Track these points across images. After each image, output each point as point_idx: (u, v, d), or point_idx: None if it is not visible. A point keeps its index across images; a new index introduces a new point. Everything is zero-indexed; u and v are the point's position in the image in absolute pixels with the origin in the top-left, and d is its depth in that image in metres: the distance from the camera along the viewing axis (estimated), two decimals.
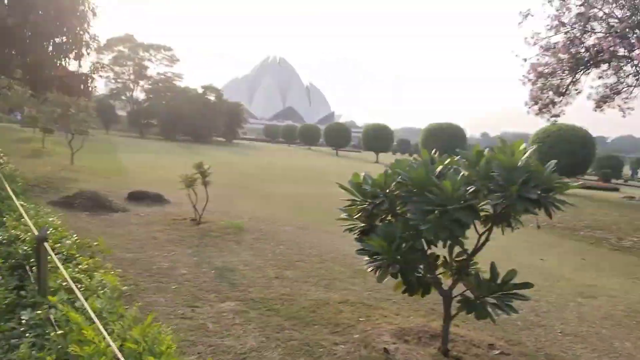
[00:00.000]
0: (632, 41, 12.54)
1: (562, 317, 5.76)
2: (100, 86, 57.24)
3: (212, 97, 55.32)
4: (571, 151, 27.48)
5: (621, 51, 13.23)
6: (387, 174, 4.06)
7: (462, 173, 3.64)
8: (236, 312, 4.75)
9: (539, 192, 3.40)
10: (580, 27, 14.16)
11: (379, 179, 4.04)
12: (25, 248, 3.36)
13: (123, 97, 59.02)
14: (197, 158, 10.02)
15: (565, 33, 14.68)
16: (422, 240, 3.89)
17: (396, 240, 3.75)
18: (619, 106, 17.74)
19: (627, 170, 53.14)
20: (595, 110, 18.36)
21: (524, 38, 15.08)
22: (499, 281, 3.95)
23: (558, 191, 3.54)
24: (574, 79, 15.43)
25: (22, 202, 5.01)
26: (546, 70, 15.34)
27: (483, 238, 3.94)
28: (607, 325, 5.63)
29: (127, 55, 58.23)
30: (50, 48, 13.39)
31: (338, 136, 54.13)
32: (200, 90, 54.92)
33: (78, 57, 13.75)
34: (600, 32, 14.23)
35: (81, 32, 13.29)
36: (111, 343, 1.70)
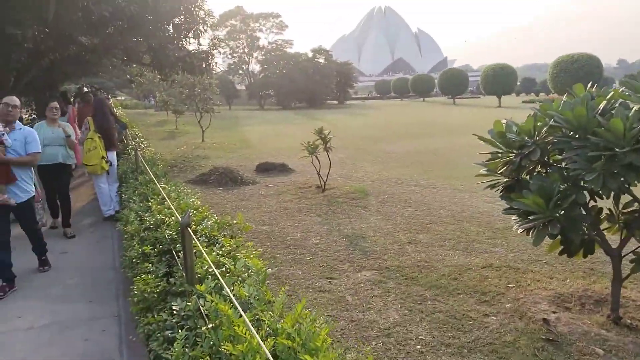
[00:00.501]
0: None
1: None
2: (219, 62, 60.49)
3: (321, 60, 55.49)
4: None
5: None
6: (536, 117, 3.51)
7: (634, 108, 2.97)
8: (373, 282, 4.59)
9: None
10: None
11: (526, 124, 3.50)
12: (171, 232, 3.46)
13: (240, 71, 61.73)
14: (314, 124, 10.00)
15: None
16: (584, 192, 3.33)
17: (554, 195, 3.22)
18: None
19: None
20: None
21: None
22: None
23: None
24: None
25: (163, 185, 5.30)
26: None
27: None
28: None
29: (239, 29, 60.47)
30: (171, 30, 14.01)
31: (454, 83, 51.29)
32: (310, 55, 55.35)
33: (196, 35, 14.28)
34: None
35: (196, 9, 13.73)
36: (261, 344, 1.57)
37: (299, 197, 8.41)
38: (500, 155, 3.72)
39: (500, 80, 42.96)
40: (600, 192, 3.08)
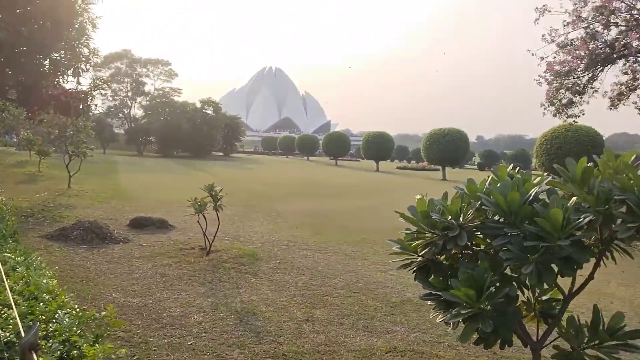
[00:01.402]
0: None
1: None
2: (98, 104, 56.52)
3: (209, 111, 54.56)
4: (581, 152, 26.85)
5: None
6: (462, 198, 3.22)
7: (572, 200, 2.79)
8: None
9: None
10: (601, 20, 13.42)
11: (453, 205, 3.19)
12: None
13: (120, 115, 58.23)
14: (198, 175, 9.21)
15: (585, 28, 13.96)
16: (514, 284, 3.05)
17: (485, 287, 2.88)
18: (634, 103, 16.92)
19: None
20: (610, 109, 17.50)
21: (541, 35, 14.38)
22: (601, 327, 3.10)
23: None
24: (593, 77, 14.66)
25: (9, 254, 4.14)
26: (563, 69, 14.59)
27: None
28: None
29: (124, 72, 57.56)
30: (47, 64, 12.47)
31: (337, 145, 53.34)
32: (198, 105, 54.17)
33: (77, 73, 12.84)
34: (622, 25, 13.52)
35: (80, 46, 12.38)
36: None
37: (179, 260, 7.42)
38: (422, 235, 3.36)
39: (379, 147, 45.57)
40: (535, 285, 2.80)
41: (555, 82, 15.14)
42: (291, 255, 8.32)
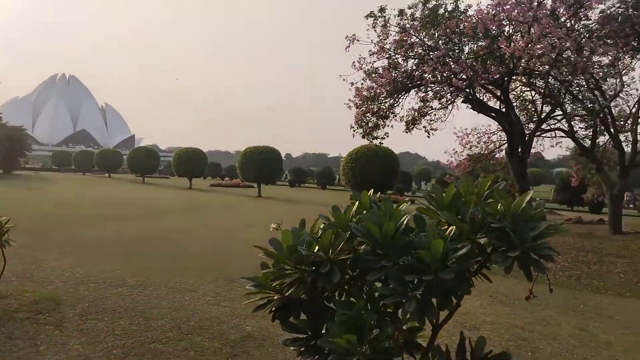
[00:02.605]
0: (453, 66, 13.68)
1: None
2: None
3: None
4: (382, 170, 29.89)
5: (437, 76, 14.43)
6: (333, 230, 2.88)
7: (451, 228, 2.66)
8: None
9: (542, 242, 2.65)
10: (401, 53, 15.05)
11: (324, 238, 2.82)
12: None
13: None
14: None
15: (388, 58, 15.47)
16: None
17: (366, 330, 2.57)
18: (424, 127, 19.40)
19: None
20: (406, 132, 19.72)
21: (351, 62, 15.50)
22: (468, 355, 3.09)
23: (544, 238, 2.84)
24: (395, 103, 16.33)
25: None
26: (370, 94, 15.91)
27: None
28: None
29: None
30: None
31: (145, 162, 49.79)
32: None
33: None
34: (418, 58, 15.36)
35: None
36: None
37: None
38: (286, 272, 2.92)
39: (191, 163, 43.98)
40: (418, 322, 2.59)
41: (363, 106, 16.42)
42: (103, 294, 7.05)
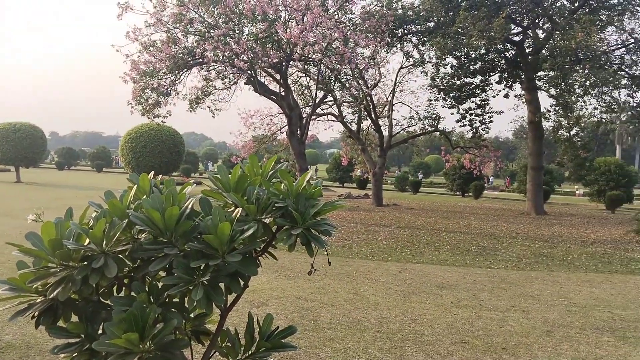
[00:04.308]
0: (233, 47, 13.62)
1: None
2: None
3: None
4: (164, 150, 28.54)
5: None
6: (107, 219, 2.53)
7: (238, 210, 2.60)
8: None
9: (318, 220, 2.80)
10: (180, 27, 14.35)
11: (96, 229, 2.46)
12: None
13: None
14: None
15: (166, 32, 14.59)
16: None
17: (149, 325, 2.35)
18: (209, 107, 19.18)
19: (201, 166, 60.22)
20: (190, 111, 19.20)
21: (125, 33, 14.11)
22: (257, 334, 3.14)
23: (323, 214, 3.03)
24: (177, 80, 15.58)
25: None
26: (149, 69, 14.85)
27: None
28: None
29: None
30: None
31: None
32: None
33: None
34: (198, 35, 14.87)
35: None
36: None
37: None
38: (50, 271, 2.49)
39: None
40: (206, 310, 2.48)
41: (141, 81, 15.28)
42: None
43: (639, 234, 14.45)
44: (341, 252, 10.84)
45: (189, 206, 2.67)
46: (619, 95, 20.51)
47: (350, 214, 18.54)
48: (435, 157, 60.99)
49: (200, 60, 15.24)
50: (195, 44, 15.13)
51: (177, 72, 15.66)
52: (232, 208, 2.73)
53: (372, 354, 4.83)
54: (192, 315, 3.26)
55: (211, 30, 14.60)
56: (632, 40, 20.07)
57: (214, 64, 15.79)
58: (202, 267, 2.49)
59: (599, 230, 16.71)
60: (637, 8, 19.62)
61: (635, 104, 20.68)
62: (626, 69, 20.41)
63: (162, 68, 15.29)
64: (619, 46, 20.67)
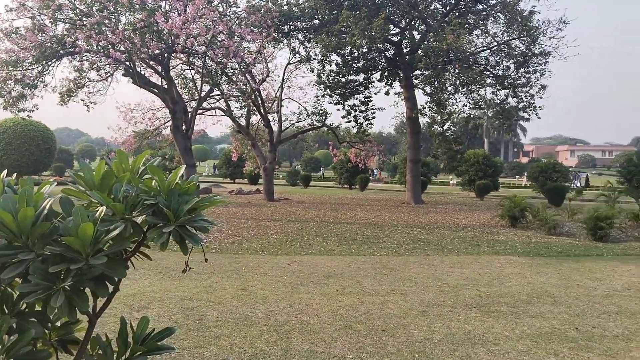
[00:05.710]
0: (108, 35, 12.66)
1: None
2: None
3: None
4: (32, 147, 25.87)
5: (93, 45, 13.16)
6: None
7: (102, 209, 2.45)
8: None
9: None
10: (47, 14, 13.05)
11: None
12: None
13: None
14: None
15: (31, 18, 13.18)
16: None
17: (1, 338, 2.14)
18: (83, 100, 17.78)
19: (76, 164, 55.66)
20: (61, 105, 17.67)
21: None
22: (130, 339, 3.02)
23: (200, 210, 2.97)
24: (45, 71, 14.17)
25: None
26: (11, 58, 13.32)
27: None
28: None
29: None
30: None
31: None
32: None
33: None
34: (69, 22, 13.63)
35: None
36: None
37: None
38: None
39: None
40: (68, 317, 2.31)
41: (2, 71, 13.71)
42: None
43: (503, 219, 16.17)
44: (231, 248, 10.73)
45: (47, 206, 2.48)
46: (485, 93, 22.76)
47: (241, 210, 18.40)
48: (324, 152, 62.70)
49: (72, 49, 14.06)
50: (65, 32, 13.90)
51: (45, 62, 14.29)
52: (98, 207, 2.58)
53: (258, 348, 4.87)
54: (58, 324, 3.04)
55: (84, 18, 13.52)
56: (495, 43, 22.34)
57: (87, 54, 14.67)
58: (63, 272, 2.33)
59: (469, 216, 18.40)
60: (499, 14, 21.82)
61: (499, 101, 23.03)
62: (491, 69, 22.68)
63: (28, 57, 13.88)
64: (485, 48, 22.87)
